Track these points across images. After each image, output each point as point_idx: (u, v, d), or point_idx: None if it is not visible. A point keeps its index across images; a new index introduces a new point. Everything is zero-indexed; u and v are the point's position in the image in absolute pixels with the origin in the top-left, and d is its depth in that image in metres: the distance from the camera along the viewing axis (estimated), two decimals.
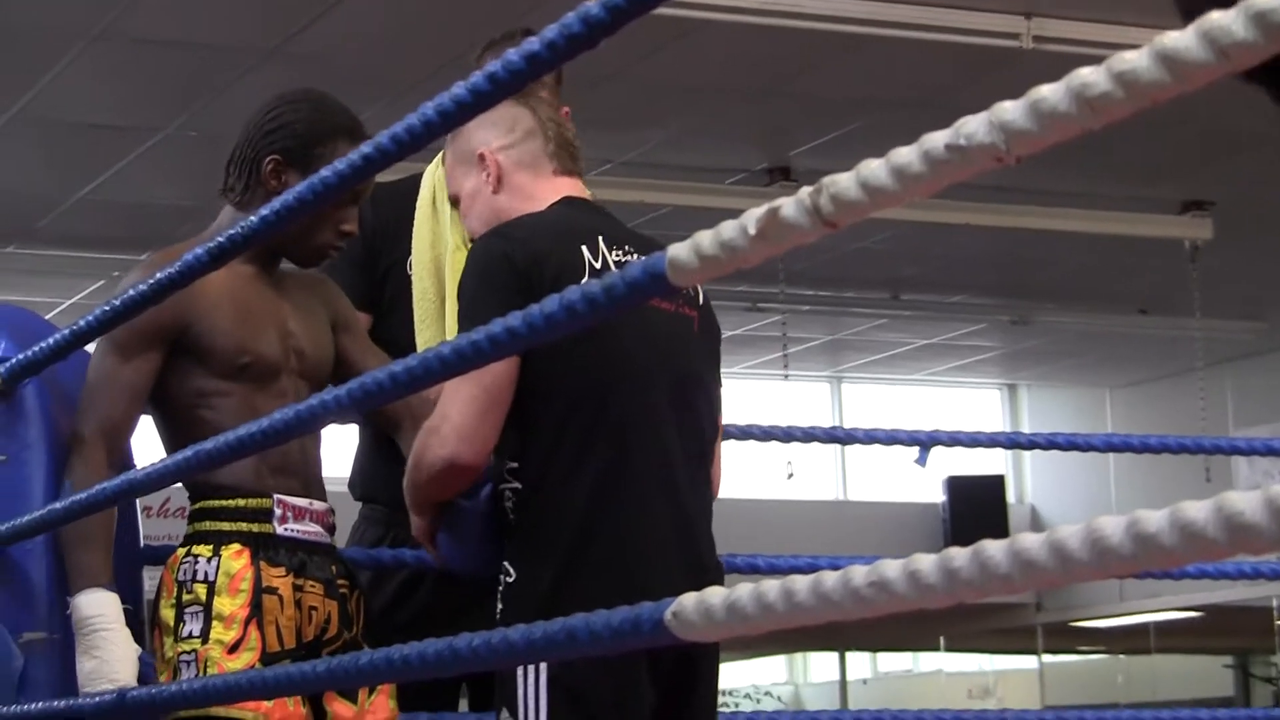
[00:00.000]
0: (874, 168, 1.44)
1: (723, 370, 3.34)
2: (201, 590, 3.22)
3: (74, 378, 3.39)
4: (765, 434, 4.07)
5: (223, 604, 3.21)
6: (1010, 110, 1.33)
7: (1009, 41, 8.04)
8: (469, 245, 3.70)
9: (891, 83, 8.71)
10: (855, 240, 11.06)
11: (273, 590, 3.24)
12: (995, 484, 15.62)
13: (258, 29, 7.91)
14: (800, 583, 1.45)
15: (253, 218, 2.60)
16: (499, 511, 3.09)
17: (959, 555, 1.31)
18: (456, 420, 3.01)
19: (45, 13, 7.69)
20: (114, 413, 3.32)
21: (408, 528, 3.23)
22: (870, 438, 4.22)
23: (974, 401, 16.75)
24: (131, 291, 2.86)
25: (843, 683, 20.50)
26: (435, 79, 6.97)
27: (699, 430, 3.20)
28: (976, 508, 15.16)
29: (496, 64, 1.95)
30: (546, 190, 3.25)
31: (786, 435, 4.12)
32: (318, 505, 3.37)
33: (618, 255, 3.15)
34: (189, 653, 3.19)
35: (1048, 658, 19.37)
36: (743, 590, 1.51)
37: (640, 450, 3.08)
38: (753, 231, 1.56)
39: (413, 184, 3.90)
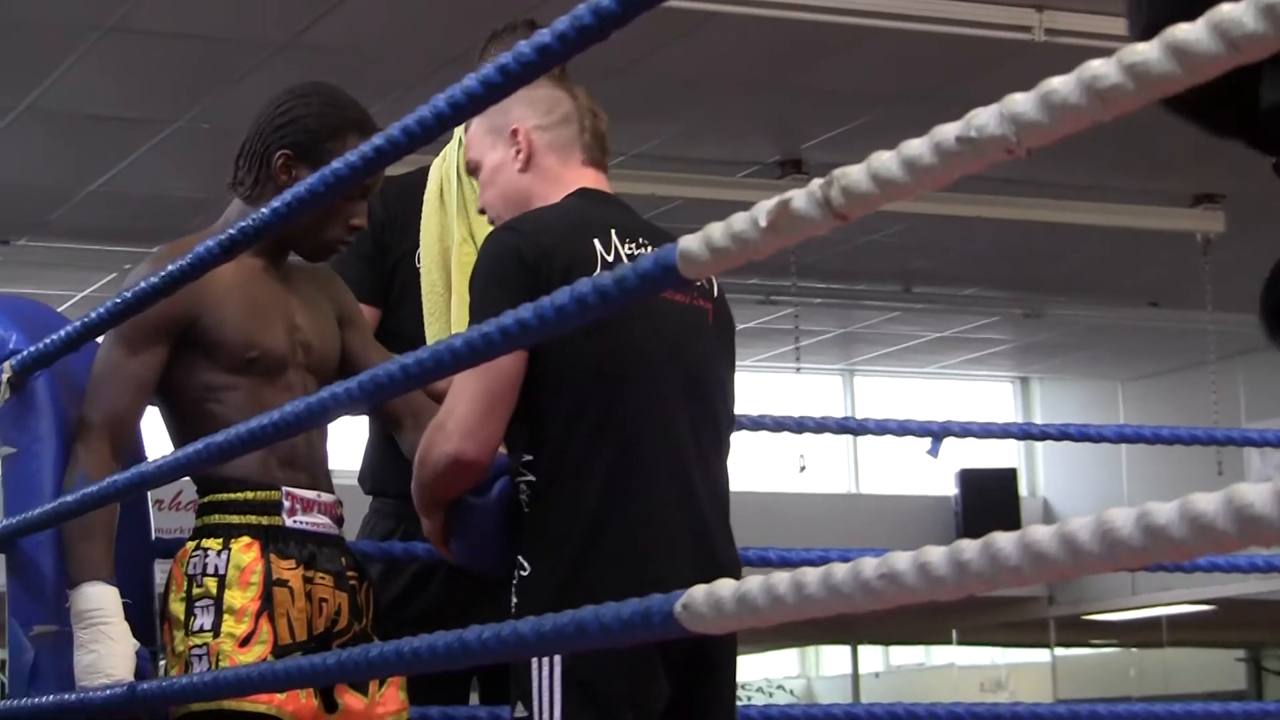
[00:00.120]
0: (885, 160, 1.44)
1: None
2: (212, 584, 3.22)
3: (85, 370, 3.39)
4: (777, 425, 4.06)
5: (234, 597, 3.21)
6: (1021, 102, 1.33)
7: (1021, 34, 8.04)
8: (475, 238, 3.71)
9: (903, 75, 8.70)
10: (867, 233, 11.06)
11: (283, 583, 3.24)
12: (1007, 477, 15.62)
13: (269, 22, 7.91)
14: (810, 575, 1.45)
15: (264, 210, 2.60)
16: (514, 506, 3.09)
17: (969, 547, 1.31)
18: (461, 417, 3.01)
19: (57, 6, 7.70)
20: (119, 404, 3.32)
21: (418, 521, 3.22)
22: (882, 428, 4.22)
23: (986, 395, 16.74)
24: (142, 284, 2.86)
25: (855, 676, 20.50)
26: (444, 72, 6.97)
27: (714, 423, 3.19)
28: (989, 501, 15.16)
29: (508, 56, 1.95)
30: (571, 177, 3.24)
31: (798, 426, 4.11)
32: (325, 497, 3.37)
33: (630, 248, 3.14)
34: (200, 646, 3.19)
35: (1060, 651, 19.37)
36: (753, 582, 1.51)
37: (651, 444, 3.08)
38: (764, 223, 1.56)
39: (420, 177, 3.89)
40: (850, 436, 14.34)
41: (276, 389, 3.32)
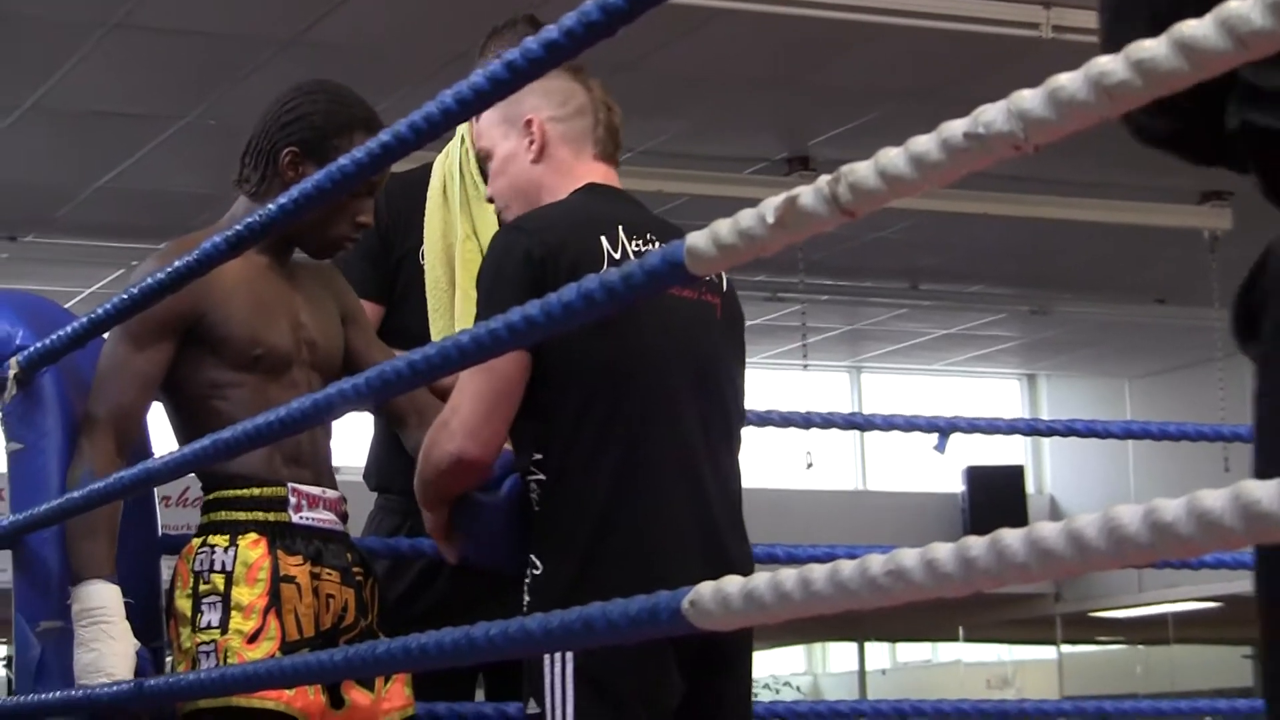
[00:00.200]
0: (892, 156, 1.44)
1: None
2: (219, 580, 3.22)
3: (91, 366, 3.39)
4: (784, 420, 4.06)
5: (241, 594, 3.21)
6: (1029, 99, 1.32)
7: (1028, 31, 8.04)
8: (478, 234, 3.71)
9: (911, 72, 8.70)
10: (874, 230, 11.06)
11: (290, 579, 3.24)
12: (1014, 474, 15.62)
13: (275, 18, 7.91)
14: (817, 571, 1.44)
15: (270, 206, 2.59)
16: (525, 504, 3.08)
17: (976, 544, 1.31)
18: (464, 416, 3.01)
19: (63, 3, 7.71)
20: (125, 400, 3.32)
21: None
22: (889, 424, 4.21)
23: (993, 392, 16.75)
24: (148, 280, 2.86)
25: (861, 673, 20.50)
26: (448, 70, 6.97)
27: (724, 418, 3.18)
28: (996, 498, 15.16)
29: (515, 52, 1.95)
30: (582, 171, 3.23)
31: (805, 422, 4.11)
32: (330, 494, 3.37)
33: (638, 245, 3.13)
34: (208, 643, 3.19)
35: (1066, 648, 19.37)
36: (760, 579, 1.50)
37: (659, 440, 3.07)
38: (771, 220, 1.56)
39: (423, 174, 3.89)
40: (857, 433, 14.26)
41: (281, 386, 3.33)
